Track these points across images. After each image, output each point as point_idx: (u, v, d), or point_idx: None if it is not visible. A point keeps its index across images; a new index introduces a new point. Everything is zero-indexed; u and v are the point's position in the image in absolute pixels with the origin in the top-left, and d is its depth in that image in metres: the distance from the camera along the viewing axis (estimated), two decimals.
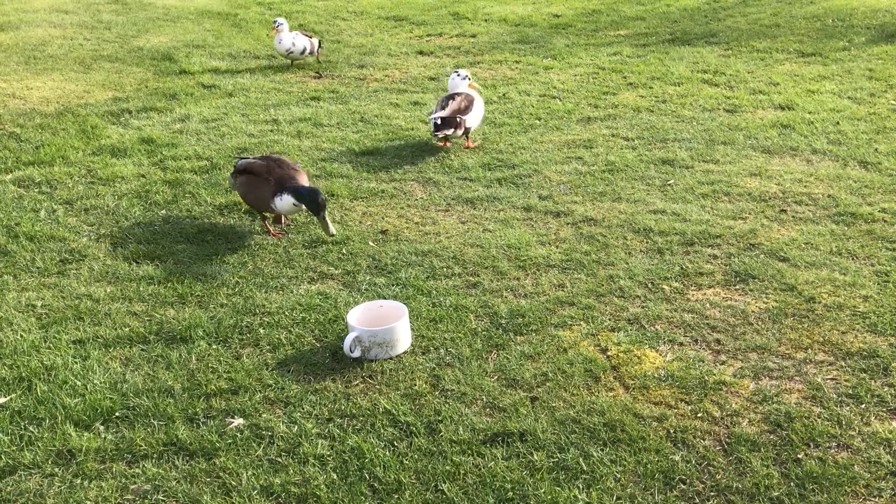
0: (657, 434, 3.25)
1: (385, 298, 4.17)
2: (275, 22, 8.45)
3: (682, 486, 3.01)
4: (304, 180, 4.83)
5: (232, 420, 3.38)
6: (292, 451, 3.21)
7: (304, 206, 4.69)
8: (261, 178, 4.81)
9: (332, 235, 4.69)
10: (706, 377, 3.57)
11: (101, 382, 3.61)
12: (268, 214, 4.99)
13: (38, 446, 3.26)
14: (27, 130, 6.67)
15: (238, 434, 3.30)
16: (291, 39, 8.44)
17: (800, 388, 3.50)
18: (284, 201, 4.70)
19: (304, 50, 8.49)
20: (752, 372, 3.61)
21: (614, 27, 10.03)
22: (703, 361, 3.68)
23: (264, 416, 3.41)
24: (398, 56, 9.01)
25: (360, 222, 5.11)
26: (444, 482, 3.04)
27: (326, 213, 4.66)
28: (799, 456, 3.12)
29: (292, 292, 4.32)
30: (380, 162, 6.05)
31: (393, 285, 4.36)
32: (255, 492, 3.02)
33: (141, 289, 4.38)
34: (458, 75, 6.33)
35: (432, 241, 4.84)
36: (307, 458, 3.17)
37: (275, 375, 3.65)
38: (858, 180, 5.46)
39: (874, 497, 2.95)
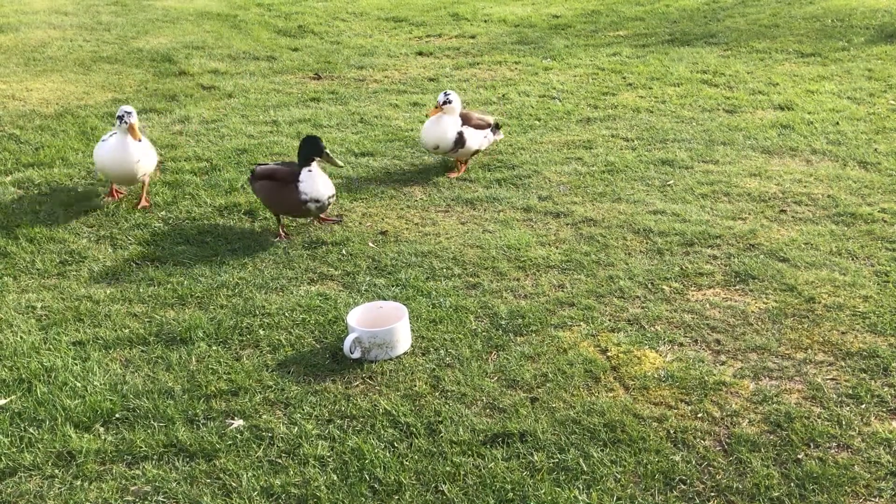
0: (657, 434, 3.25)
1: (385, 299, 4.17)
2: (121, 118, 5.09)
3: (683, 487, 3.01)
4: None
5: (232, 421, 3.38)
6: (292, 453, 3.21)
7: (318, 162, 4.82)
8: (286, 184, 4.81)
9: (341, 167, 5.27)
10: (706, 377, 3.57)
11: (101, 384, 3.61)
12: (284, 220, 5.06)
13: (39, 448, 3.26)
14: (27, 132, 6.68)
15: (238, 435, 3.30)
16: (149, 160, 5.26)
17: (800, 389, 3.50)
18: (305, 184, 4.76)
19: (146, 172, 5.33)
20: (752, 372, 3.61)
21: (614, 28, 10.04)
22: (703, 362, 3.68)
23: (264, 417, 3.41)
24: (398, 57, 9.01)
25: (360, 223, 5.11)
26: (445, 483, 3.04)
27: (328, 151, 4.86)
28: (799, 456, 3.13)
29: (292, 293, 4.32)
30: (379, 163, 6.05)
31: (393, 286, 4.36)
32: (256, 493, 3.02)
33: (141, 290, 4.38)
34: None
35: (432, 241, 4.84)
36: (307, 459, 3.17)
37: (275, 377, 3.65)
38: (858, 180, 5.47)
39: (874, 497, 2.95)
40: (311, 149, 4.78)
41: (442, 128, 5.63)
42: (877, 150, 5.95)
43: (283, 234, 4.95)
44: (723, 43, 9.02)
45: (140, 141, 5.16)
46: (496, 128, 5.96)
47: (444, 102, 5.63)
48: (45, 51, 9.01)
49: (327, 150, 4.80)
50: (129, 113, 5.12)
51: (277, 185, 4.85)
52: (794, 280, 4.29)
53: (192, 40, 9.60)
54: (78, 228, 5.10)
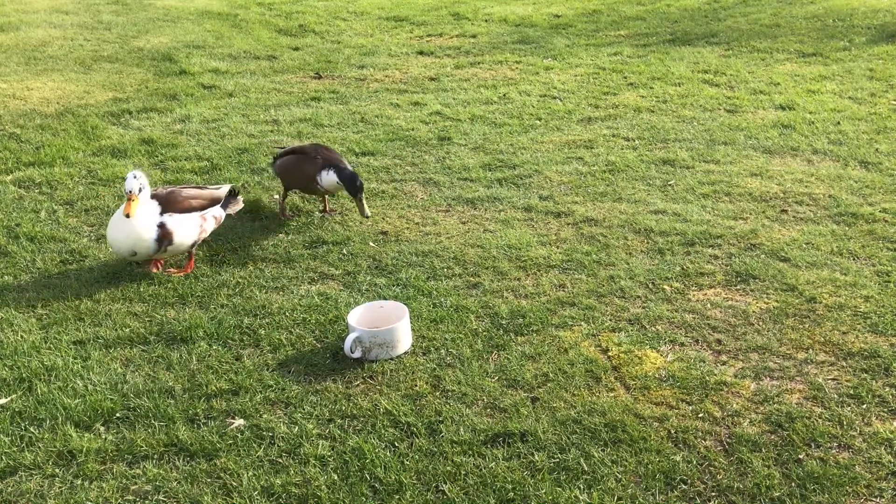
0: (658, 434, 3.24)
1: (385, 299, 4.17)
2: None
3: (684, 487, 3.01)
4: (346, 166, 5.16)
5: (233, 421, 3.38)
6: (293, 452, 3.21)
7: (344, 187, 4.99)
8: (309, 157, 5.10)
9: (367, 217, 5.05)
10: (707, 377, 3.56)
11: (101, 383, 3.61)
12: (289, 195, 5.33)
13: (39, 447, 3.26)
14: (27, 131, 6.67)
15: (239, 435, 3.30)
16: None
17: (801, 389, 3.50)
18: (330, 177, 4.98)
19: None
20: (753, 372, 3.61)
21: (614, 27, 10.03)
22: (704, 362, 3.68)
23: (265, 416, 3.40)
24: (398, 56, 9.01)
25: (361, 223, 5.11)
26: (445, 483, 3.04)
27: (363, 195, 4.98)
28: (800, 456, 3.12)
29: (293, 293, 4.32)
30: (380, 162, 6.05)
31: (393, 286, 4.36)
32: (256, 492, 3.02)
33: (141, 289, 4.38)
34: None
35: (433, 241, 4.84)
36: (308, 458, 3.17)
37: (275, 376, 3.65)
38: (859, 180, 5.46)
39: (875, 497, 2.95)
40: (350, 185, 4.93)
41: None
42: (878, 149, 5.95)
43: (284, 214, 5.22)
44: (724, 43, 9.02)
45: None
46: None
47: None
48: (46, 50, 9.01)
49: (362, 196, 4.97)
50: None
51: (300, 160, 5.14)
52: (796, 280, 4.29)
53: (193, 39, 9.60)
54: (78, 228, 5.10)
